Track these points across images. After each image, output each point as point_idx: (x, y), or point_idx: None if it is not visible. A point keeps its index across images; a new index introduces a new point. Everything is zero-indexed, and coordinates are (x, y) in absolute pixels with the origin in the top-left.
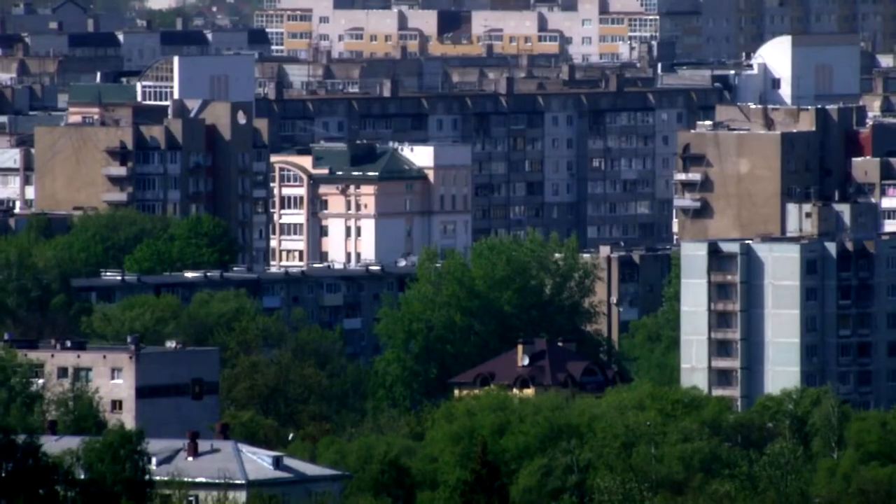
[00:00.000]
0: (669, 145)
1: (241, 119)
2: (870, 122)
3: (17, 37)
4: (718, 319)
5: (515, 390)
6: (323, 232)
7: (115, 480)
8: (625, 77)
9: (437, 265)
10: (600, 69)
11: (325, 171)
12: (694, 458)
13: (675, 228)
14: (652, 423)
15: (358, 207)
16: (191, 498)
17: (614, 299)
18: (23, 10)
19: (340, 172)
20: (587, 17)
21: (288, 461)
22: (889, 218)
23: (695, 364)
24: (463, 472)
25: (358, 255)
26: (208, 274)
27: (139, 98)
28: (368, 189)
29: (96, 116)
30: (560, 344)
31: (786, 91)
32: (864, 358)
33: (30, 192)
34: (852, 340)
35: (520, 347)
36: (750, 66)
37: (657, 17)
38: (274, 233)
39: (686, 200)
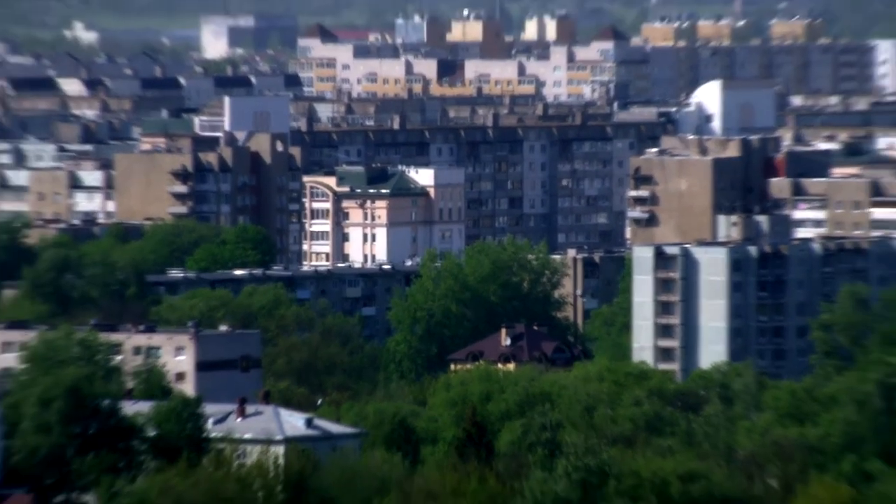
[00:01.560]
0: (623, 168)
1: (279, 147)
2: (783, 150)
3: (100, 81)
4: (662, 308)
5: (500, 365)
6: (345, 238)
7: (179, 437)
8: (588, 113)
9: (437, 264)
10: (568, 107)
11: (347, 188)
12: (642, 419)
13: (627, 235)
14: (608, 391)
15: (373, 218)
16: (239, 452)
17: (579, 292)
18: (105, 60)
19: (359, 190)
20: (557, 64)
21: (317, 422)
22: (798, 227)
23: (643, 344)
24: (457, 431)
25: (373, 257)
26: (252, 272)
27: (197, 130)
28: (381, 203)
29: (163, 145)
30: (535, 328)
31: (716, 125)
32: (778, 339)
33: (110, 206)
34: (769, 325)
35: (503, 331)
36: (688, 105)
37: (614, 65)
38: (305, 238)
39: (637, 212)
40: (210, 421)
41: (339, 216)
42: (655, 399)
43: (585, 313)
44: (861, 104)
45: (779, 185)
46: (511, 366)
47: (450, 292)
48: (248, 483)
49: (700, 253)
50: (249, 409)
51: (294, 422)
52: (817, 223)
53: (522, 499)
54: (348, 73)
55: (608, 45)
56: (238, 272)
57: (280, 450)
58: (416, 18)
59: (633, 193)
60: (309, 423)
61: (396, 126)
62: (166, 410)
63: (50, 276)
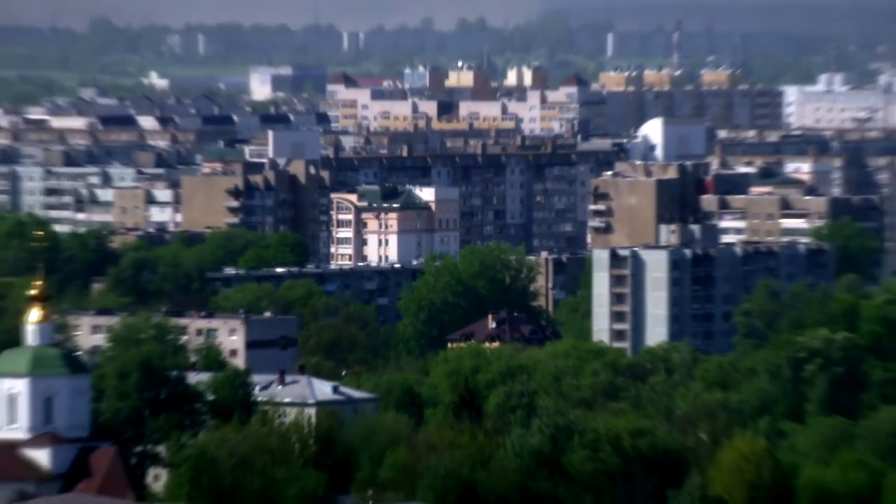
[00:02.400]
0: (585, 187)
1: (312, 171)
2: (712, 173)
3: (170, 118)
4: (616, 298)
5: (487, 344)
6: (364, 242)
7: (232, 401)
8: (557, 143)
9: (437, 264)
10: (541, 138)
11: (366, 203)
12: (599, 386)
13: (588, 240)
14: (573, 365)
15: (386, 227)
16: (279, 413)
17: (550, 285)
18: (174, 101)
19: (375, 205)
20: (533, 105)
21: (342, 389)
22: (724, 234)
23: (601, 327)
24: (453, 396)
25: (386, 258)
26: (290, 269)
27: (247, 157)
28: (393, 215)
29: (219, 169)
30: (515, 314)
31: (659, 153)
32: (708, 323)
33: (178, 218)
34: (700, 312)
35: (489, 316)
36: (636, 137)
37: (577, 105)
38: (332, 243)
39: (596, 222)
40: (256, 388)
41: (360, 225)
42: (610, 371)
43: (555, 302)
44: (773, 137)
45: (708, 201)
46: (496, 344)
47: (447, 286)
48: (287, 437)
49: (646, 254)
50: (288, 378)
51: (323, 389)
52: (738, 231)
53: (505, 450)
54: (367, 111)
55: (573, 89)
56: (279, 270)
57: (312, 411)
58: (421, 69)
59: (592, 207)
60: (335, 389)
61: (405, 154)
62: (222, 380)
63: (130, 273)
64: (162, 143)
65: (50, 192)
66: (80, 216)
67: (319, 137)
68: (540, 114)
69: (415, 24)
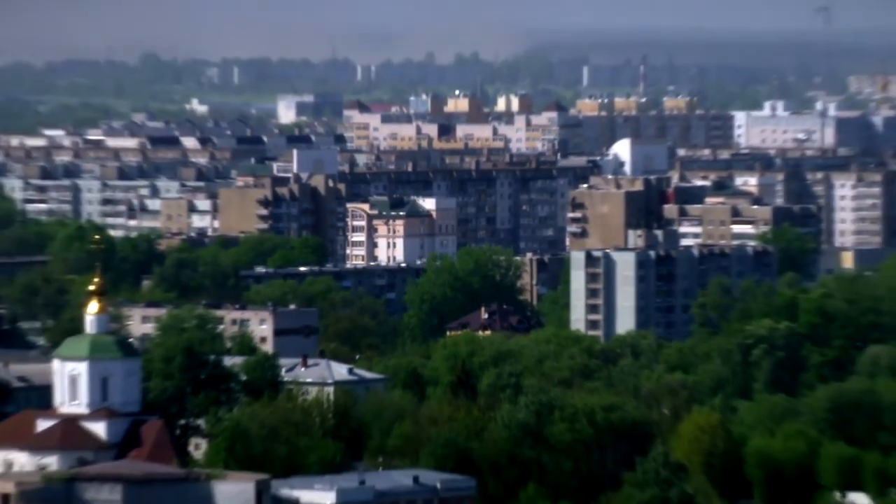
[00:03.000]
0: (564, 198)
1: (330, 184)
2: (673, 186)
3: (209, 139)
4: (590, 293)
5: (480, 332)
6: (375, 245)
7: (261, 381)
8: (540, 160)
9: (437, 263)
10: (526, 156)
11: (376, 212)
12: (576, 368)
13: (567, 243)
14: (554, 350)
15: (394, 232)
16: (303, 391)
17: (534, 282)
18: (212, 124)
19: (384, 213)
20: (519, 127)
21: (356, 370)
22: (683, 238)
23: (578, 317)
24: (451, 377)
25: (394, 258)
26: (311, 268)
27: (274, 172)
28: (400, 222)
29: (251, 182)
30: (504, 307)
31: (627, 168)
32: (669, 314)
33: (216, 224)
34: (663, 304)
35: (482, 308)
36: (608, 155)
37: (557, 128)
38: (348, 246)
39: (573, 228)
40: (283, 370)
41: (371, 231)
42: (586, 355)
43: (538, 296)
44: (725, 154)
45: (669, 210)
46: (488, 332)
47: (446, 282)
48: (308, 412)
49: (616, 256)
50: (310, 362)
51: (340, 370)
52: (695, 235)
53: (496, 423)
54: (377, 133)
55: (553, 114)
56: (302, 269)
57: (331, 390)
58: (423, 96)
59: (570, 215)
60: (350, 371)
61: (410, 169)
62: (253, 363)
63: (174, 271)
64: (202, 160)
65: (106, 202)
66: (132, 223)
67: (337, 155)
68: (525, 135)
69: (418, 59)
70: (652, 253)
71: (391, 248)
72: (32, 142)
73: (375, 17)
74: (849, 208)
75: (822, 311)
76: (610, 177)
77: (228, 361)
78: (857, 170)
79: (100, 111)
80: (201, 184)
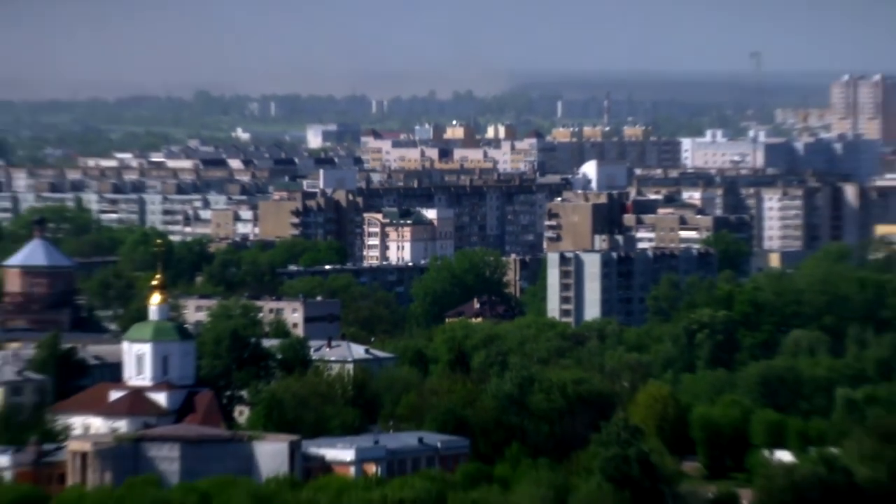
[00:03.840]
0: (542, 209)
1: (350, 197)
2: (631, 200)
3: (251, 160)
4: (563, 287)
5: (473, 319)
6: (387, 248)
7: (294, 360)
8: (522, 178)
9: (438, 263)
10: (511, 175)
11: (388, 220)
12: (552, 349)
13: (544, 246)
14: (534, 333)
15: (402, 237)
16: (328, 368)
17: (518, 278)
18: (254, 148)
19: (394, 221)
20: (505, 151)
21: (371, 351)
22: (639, 242)
23: (553, 307)
24: (449, 356)
25: (402, 258)
26: (335, 267)
27: (304, 188)
28: (407, 229)
29: (285, 196)
30: (493, 298)
31: (594, 185)
32: (629, 304)
33: (256, 230)
34: (623, 296)
35: (475, 300)
36: (578, 174)
37: (537, 151)
38: (364, 248)
39: (549, 234)
40: (311, 350)
41: (384, 236)
42: (560, 338)
43: (521, 290)
44: (674, 173)
45: (628, 219)
46: (479, 319)
47: (445, 278)
48: (332, 385)
49: (584, 256)
50: (333, 343)
51: (359, 351)
52: (650, 240)
53: (486, 394)
54: (388, 156)
55: (533, 140)
56: (327, 267)
57: (350, 367)
58: (427, 126)
59: (547, 223)
60: (366, 351)
61: (415, 186)
62: (287, 345)
63: (221, 269)
64: (245, 178)
65: (166, 212)
66: (188, 229)
67: (355, 174)
68: (510, 157)
69: (422, 95)
70: (614, 254)
71: (400, 251)
72: (105, 163)
73: (387, 60)
74: (775, 218)
75: (754, 302)
76: (579, 192)
77: (266, 343)
78: (782, 186)
79: (161, 138)
80: (244, 197)
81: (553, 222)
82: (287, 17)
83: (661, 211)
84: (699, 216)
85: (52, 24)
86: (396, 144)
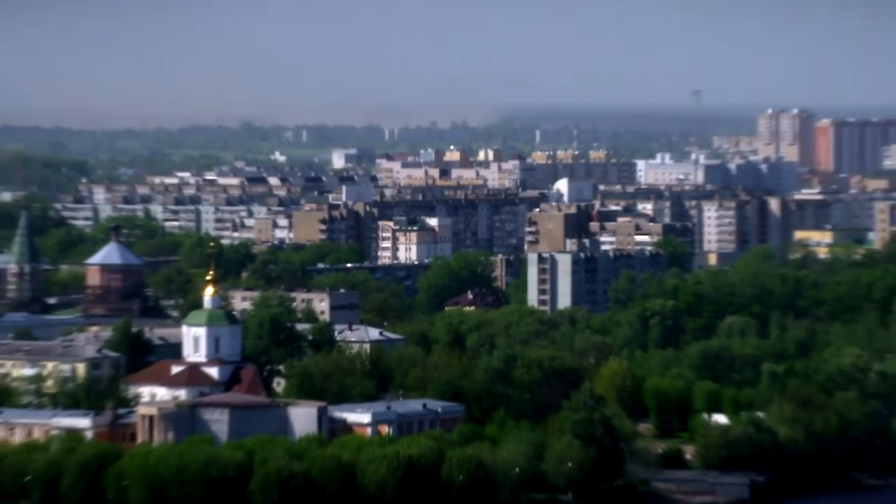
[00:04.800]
0: (524, 217)
1: (367, 208)
2: (596, 210)
3: (286, 178)
4: (541, 281)
5: (467, 308)
6: (397, 249)
7: (321, 341)
8: (507, 192)
9: (439, 262)
10: (499, 190)
11: (398, 227)
12: (532, 331)
13: (525, 248)
14: (516, 318)
15: (410, 241)
16: (350, 347)
17: (503, 274)
18: (288, 169)
19: (403, 228)
20: (494, 171)
21: (384, 333)
22: (603, 245)
23: (533, 298)
24: (448, 338)
25: (410, 258)
26: (354, 265)
27: (330, 201)
28: (413, 234)
29: (315, 207)
30: (483, 290)
31: (566, 198)
32: (594, 296)
33: (291, 235)
34: (589, 289)
35: (468, 292)
36: (553, 189)
37: (519, 171)
38: (379, 250)
39: (530, 237)
40: (335, 333)
41: (395, 240)
42: (538, 322)
43: (506, 283)
44: (630, 189)
45: (594, 226)
46: (472, 308)
47: (444, 274)
48: (353, 361)
49: (558, 256)
50: (354, 328)
51: (374, 333)
52: (611, 243)
53: (478, 368)
54: (398, 175)
55: (517, 162)
56: (348, 265)
57: (367, 346)
58: (430, 150)
59: (528, 229)
60: (381, 333)
61: (420, 199)
62: (316, 328)
63: (262, 267)
64: (282, 193)
65: (218, 220)
66: (235, 234)
67: (371, 189)
68: (497, 176)
69: (426, 125)
70: (582, 255)
71: (408, 252)
72: (168, 180)
73: (397, 97)
74: (713, 225)
75: (695, 294)
76: (554, 204)
77: (299, 327)
78: (719, 199)
79: (213, 160)
80: (281, 209)
81: (532, 228)
82: (316, 61)
83: (620, 219)
84: (651, 224)
85: (125, 67)
86: (405, 165)
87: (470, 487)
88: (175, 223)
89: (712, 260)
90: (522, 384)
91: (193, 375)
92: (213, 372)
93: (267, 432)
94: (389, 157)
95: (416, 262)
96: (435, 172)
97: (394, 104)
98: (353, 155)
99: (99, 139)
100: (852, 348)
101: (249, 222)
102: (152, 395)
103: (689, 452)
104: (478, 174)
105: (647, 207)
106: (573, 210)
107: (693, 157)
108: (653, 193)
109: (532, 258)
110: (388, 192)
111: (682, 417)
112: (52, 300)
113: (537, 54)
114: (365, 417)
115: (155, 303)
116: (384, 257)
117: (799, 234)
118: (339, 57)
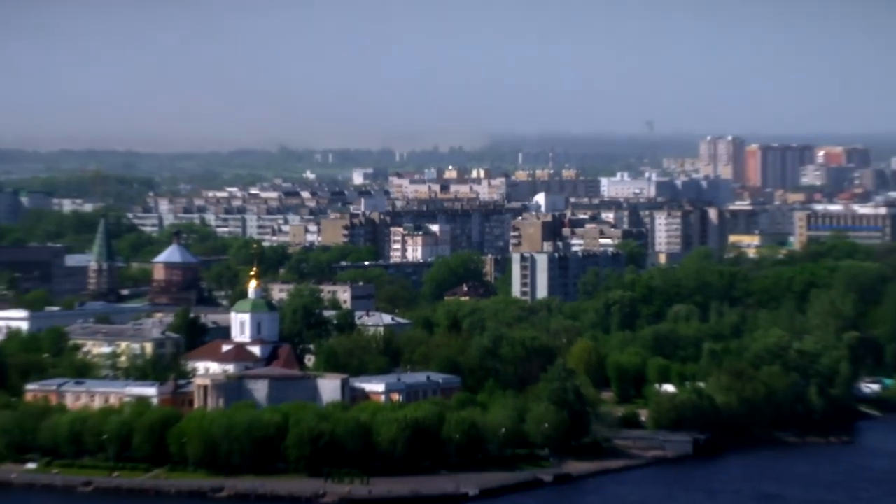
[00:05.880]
0: (509, 225)
1: (382, 217)
2: (568, 218)
3: (315, 192)
4: (523, 276)
5: (462, 298)
6: (406, 251)
7: (344, 324)
8: (496, 204)
9: (440, 261)
10: (489, 202)
11: (407, 232)
12: (515, 316)
13: (510, 249)
14: (503, 307)
15: (416, 243)
16: (367, 329)
17: (493, 270)
18: (316, 184)
19: (411, 233)
20: (484, 186)
21: (396, 318)
22: (574, 246)
23: (516, 290)
24: (448, 322)
25: (417, 257)
26: (371, 263)
27: (352, 210)
28: (419, 238)
29: (339, 216)
30: (476, 283)
31: (543, 209)
32: (566, 288)
33: (319, 239)
34: (562, 283)
35: (464, 285)
36: (532, 202)
37: (505, 186)
38: (391, 251)
39: (514, 241)
40: (356, 318)
41: (404, 242)
42: (520, 310)
43: (495, 278)
44: (595, 201)
45: (566, 231)
46: (467, 298)
47: (444, 271)
48: (369, 341)
49: (537, 256)
50: (371, 314)
51: (386, 318)
52: (580, 245)
53: (472, 347)
54: (407, 190)
55: (503, 179)
56: (366, 263)
57: (381, 329)
58: (432, 169)
59: (512, 234)
60: (392, 319)
61: (425, 210)
62: (340, 314)
63: (296, 264)
64: (312, 204)
65: (260, 226)
66: (274, 238)
67: (385, 202)
68: (488, 190)
69: (429, 149)
70: (556, 255)
71: (414, 252)
72: (220, 194)
73: (406, 126)
74: (663, 230)
75: (649, 286)
76: (533, 213)
77: (326, 314)
78: (667, 209)
79: (256, 177)
80: (311, 217)
81: (516, 233)
82: (338, 98)
83: (587, 226)
84: (612, 229)
85: (185, 98)
86: (412, 182)
87: (465, 444)
88: (225, 229)
89: (662, 259)
90: (508, 359)
91: (240, 353)
92: (256, 350)
93: (299, 399)
94: (400, 175)
95: (421, 261)
96: (436, 188)
97: (403, 132)
98: (370, 173)
99: (163, 160)
100: (776, 330)
101: (286, 228)
102: (206, 369)
103: (643, 415)
104: (471, 189)
105: (609, 216)
106: (549, 218)
107: (647, 175)
108: (614, 205)
109: (516, 257)
110: (399, 204)
111: (638, 387)
112: (125, 291)
113: (521, 91)
114: (379, 387)
115: (208, 293)
116: (395, 257)
117: (733, 238)
118: (360, 95)
